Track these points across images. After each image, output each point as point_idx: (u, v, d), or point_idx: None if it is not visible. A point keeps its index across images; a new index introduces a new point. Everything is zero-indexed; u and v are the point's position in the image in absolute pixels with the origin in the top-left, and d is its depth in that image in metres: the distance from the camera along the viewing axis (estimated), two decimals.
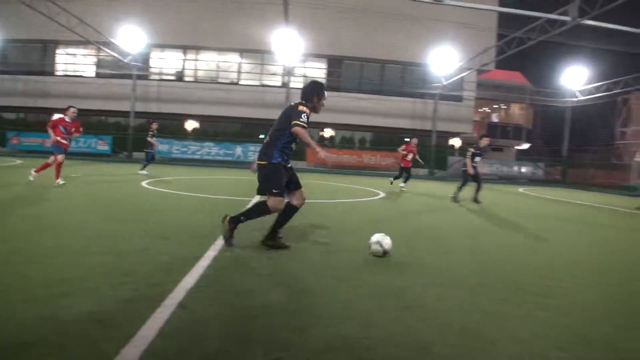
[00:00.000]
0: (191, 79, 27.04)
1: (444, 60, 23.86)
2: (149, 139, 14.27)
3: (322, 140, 27.78)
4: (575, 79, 26.02)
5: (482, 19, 24.63)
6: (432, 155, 25.26)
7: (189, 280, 3.16)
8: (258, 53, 26.20)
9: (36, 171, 9.04)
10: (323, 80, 27.13)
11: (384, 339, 2.39)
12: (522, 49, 18.09)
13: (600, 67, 26.65)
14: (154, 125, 14.51)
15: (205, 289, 3.02)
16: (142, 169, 14.02)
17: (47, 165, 9.15)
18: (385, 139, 27.53)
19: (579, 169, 27.86)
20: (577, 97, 26.59)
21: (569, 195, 17.53)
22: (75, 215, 5.78)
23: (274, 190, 4.08)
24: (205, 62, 26.99)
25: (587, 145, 30.79)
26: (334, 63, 27.28)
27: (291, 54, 23.30)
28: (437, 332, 2.55)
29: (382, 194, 11.67)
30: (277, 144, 4.09)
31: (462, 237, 5.89)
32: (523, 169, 27.87)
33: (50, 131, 9.07)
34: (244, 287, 3.14)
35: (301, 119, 3.97)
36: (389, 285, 3.42)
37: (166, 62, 27.17)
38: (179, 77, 27.03)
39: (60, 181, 8.86)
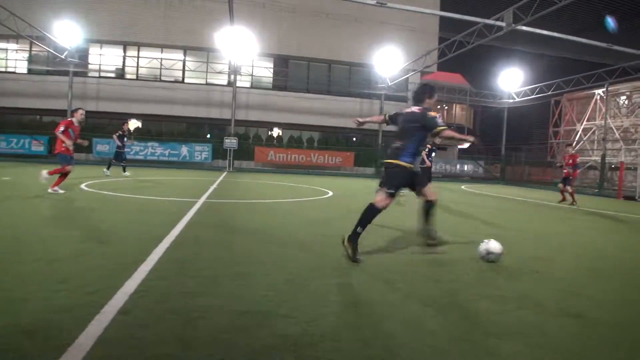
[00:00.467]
0: (132, 76, 26.07)
1: (389, 62, 24.42)
2: (115, 137, 14.69)
3: (271, 140, 27.63)
4: (512, 81, 27.43)
5: (424, 22, 25.45)
6: (380, 155, 25.76)
7: (130, 285, 3.05)
8: (203, 51, 25.67)
9: (54, 184, 8.16)
10: (269, 80, 27.07)
11: (326, 336, 2.42)
12: (462, 52, 18.84)
13: (535, 70, 28.27)
14: (125, 126, 14.81)
15: (147, 293, 2.93)
16: (124, 170, 14.69)
17: (64, 175, 8.28)
18: (333, 138, 27.80)
19: (516, 167, 29.40)
20: (513, 98, 28.04)
21: (508, 191, 18.44)
22: (4, 220, 5.44)
23: (388, 190, 4.30)
24: (148, 59, 26.10)
25: (523, 144, 32.46)
26: (281, 62, 27.20)
27: (237, 52, 22.98)
28: (379, 325, 2.61)
29: (330, 193, 11.77)
30: (409, 147, 4.40)
31: (404, 232, 6.04)
32: (465, 167, 29.04)
33: (62, 137, 8.00)
34: (187, 289, 3.08)
35: (441, 123, 4.42)
36: (331, 283, 3.47)
37: (106, 59, 26.03)
38: (120, 74, 25.97)
39: (58, 189, 8.10)
